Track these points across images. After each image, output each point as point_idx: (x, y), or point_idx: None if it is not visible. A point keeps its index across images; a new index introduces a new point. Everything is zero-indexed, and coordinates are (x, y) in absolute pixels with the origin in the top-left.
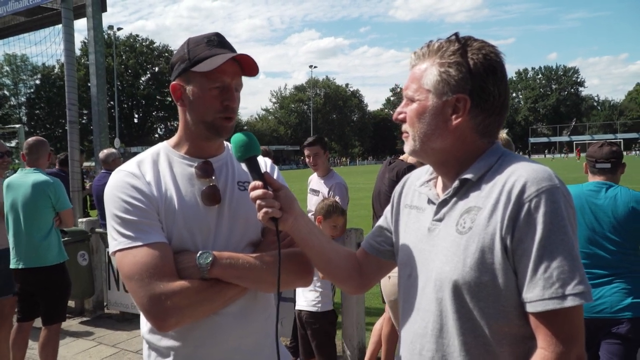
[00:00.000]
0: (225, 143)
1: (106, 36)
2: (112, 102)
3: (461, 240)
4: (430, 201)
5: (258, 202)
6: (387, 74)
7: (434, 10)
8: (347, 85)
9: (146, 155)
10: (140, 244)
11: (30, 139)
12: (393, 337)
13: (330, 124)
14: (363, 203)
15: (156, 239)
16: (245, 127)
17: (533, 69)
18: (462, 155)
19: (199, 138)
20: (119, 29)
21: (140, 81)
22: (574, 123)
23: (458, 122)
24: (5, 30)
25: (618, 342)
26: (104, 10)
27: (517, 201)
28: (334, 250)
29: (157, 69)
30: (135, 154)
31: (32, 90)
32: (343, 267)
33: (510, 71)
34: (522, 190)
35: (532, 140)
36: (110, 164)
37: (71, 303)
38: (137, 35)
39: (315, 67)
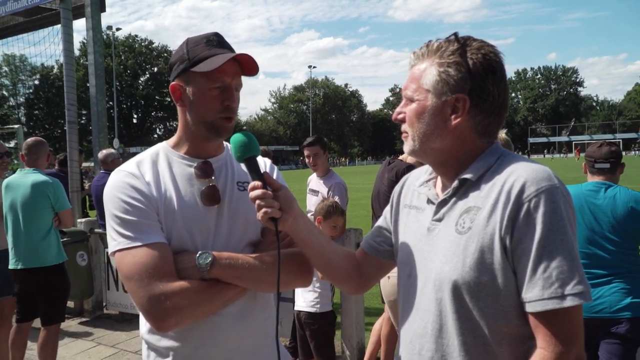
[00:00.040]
0: (225, 143)
1: (105, 36)
2: (111, 103)
3: (460, 240)
4: (429, 201)
5: (257, 202)
6: (386, 74)
7: (433, 10)
8: (346, 85)
9: (145, 156)
10: (139, 244)
11: (30, 140)
12: (392, 337)
13: (329, 124)
14: (362, 203)
15: (156, 239)
16: (245, 127)
17: (532, 69)
18: (462, 155)
19: (198, 138)
20: (117, 29)
21: (139, 81)
22: (573, 123)
23: (457, 122)
24: (4, 31)
25: (617, 342)
26: (103, 10)
27: (517, 201)
28: (334, 251)
29: (156, 69)
30: (134, 154)
31: (30, 90)
32: (342, 267)
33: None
34: (522, 190)
35: (531, 140)
36: (109, 164)
37: (70, 303)
38: (136, 36)
39: (314, 67)
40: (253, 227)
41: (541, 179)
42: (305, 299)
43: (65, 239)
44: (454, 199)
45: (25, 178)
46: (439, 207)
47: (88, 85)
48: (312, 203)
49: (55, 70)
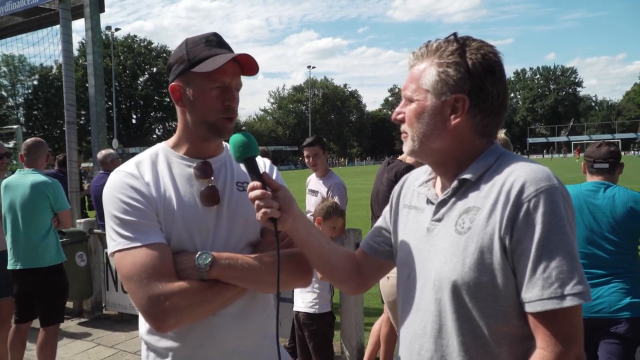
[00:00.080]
0: (224, 144)
1: (104, 37)
2: (110, 103)
3: (460, 240)
4: (429, 201)
5: (257, 202)
6: (386, 74)
7: (432, 10)
8: (345, 85)
9: (145, 156)
10: (139, 244)
11: (29, 140)
12: (392, 338)
13: (328, 124)
14: (361, 203)
15: (155, 239)
16: (244, 128)
17: (531, 69)
18: (461, 156)
19: (198, 139)
20: (116, 29)
21: (138, 82)
22: (572, 123)
23: (457, 122)
24: (2, 31)
25: (616, 341)
26: (102, 10)
27: (516, 201)
28: (333, 251)
29: (155, 69)
30: (133, 154)
31: (29, 91)
32: (342, 267)
33: (509, 71)
34: (521, 191)
35: (530, 140)
36: (109, 165)
37: (69, 304)
38: (135, 36)
39: (313, 67)
40: (252, 228)
41: (540, 179)
42: (303, 300)
43: (64, 240)
44: (453, 199)
45: (24, 178)
46: (439, 208)
47: (87, 85)
48: (311, 203)
49: (54, 71)
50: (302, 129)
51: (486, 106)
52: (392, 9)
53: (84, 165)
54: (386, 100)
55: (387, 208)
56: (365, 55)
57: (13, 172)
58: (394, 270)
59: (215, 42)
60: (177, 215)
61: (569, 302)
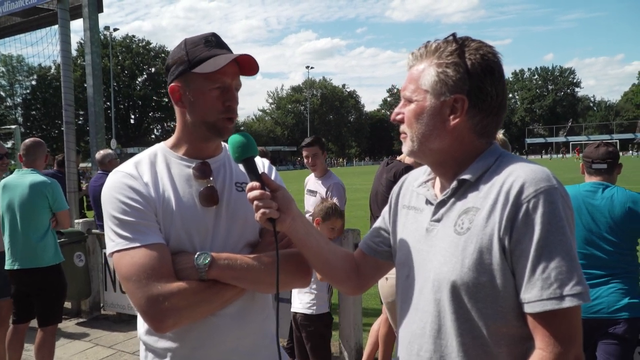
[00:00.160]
0: (223, 144)
1: (102, 37)
2: (108, 103)
3: (459, 240)
4: (428, 202)
5: (256, 202)
6: (384, 74)
7: (431, 11)
8: (343, 86)
9: (143, 156)
10: (137, 245)
11: (28, 140)
12: (390, 338)
13: (327, 124)
14: (360, 204)
15: (154, 240)
16: (242, 128)
17: (529, 69)
18: (460, 156)
19: (198, 139)
20: (115, 29)
21: (137, 82)
22: (570, 124)
23: (456, 122)
24: (1, 31)
25: (615, 342)
26: (100, 11)
27: (515, 202)
28: (332, 251)
29: (153, 69)
30: (131, 154)
31: (28, 91)
32: (341, 268)
33: (507, 72)
34: (520, 191)
35: (528, 140)
36: (107, 165)
37: (67, 304)
38: (134, 36)
39: (312, 67)
40: (251, 228)
41: (540, 179)
42: (301, 301)
43: (62, 240)
44: (452, 200)
45: (23, 178)
46: (438, 208)
47: (85, 85)
48: (310, 203)
49: (52, 71)
50: (300, 129)
51: (485, 106)
52: (390, 9)
53: (82, 165)
54: (385, 100)
55: (386, 208)
56: (363, 56)
57: (12, 172)
58: (393, 270)
59: (214, 42)
60: (176, 216)
61: (568, 303)
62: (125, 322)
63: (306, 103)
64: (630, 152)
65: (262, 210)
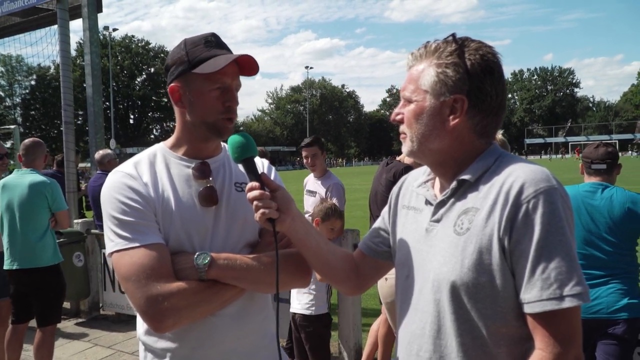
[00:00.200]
0: (222, 144)
1: (102, 37)
2: (107, 103)
3: (459, 241)
4: (427, 202)
5: (255, 203)
6: (383, 74)
7: (430, 11)
8: (343, 86)
9: (143, 157)
10: (137, 245)
11: (27, 140)
12: (389, 339)
13: (326, 124)
14: (359, 204)
15: (153, 240)
16: (242, 128)
17: (529, 70)
18: (460, 156)
19: (197, 139)
20: (114, 29)
21: (136, 82)
22: (569, 124)
23: (455, 122)
24: (0, 31)
25: (614, 342)
26: (100, 11)
27: (515, 202)
28: (331, 252)
29: (152, 69)
30: (131, 154)
31: (27, 91)
32: (340, 268)
33: (506, 72)
34: (520, 191)
35: (527, 141)
36: (106, 165)
37: (66, 304)
38: (133, 36)
39: (311, 68)
40: (251, 228)
41: (539, 180)
42: (300, 301)
43: (61, 240)
44: (452, 200)
45: (22, 178)
46: (437, 208)
47: (85, 85)
48: (309, 204)
49: (51, 71)
50: (300, 129)
51: (485, 107)
52: (389, 10)
53: (81, 165)
54: (384, 100)
55: (386, 209)
56: (363, 56)
57: (11, 172)
58: (392, 271)
59: (214, 42)
60: (176, 216)
61: (567, 303)
62: (125, 322)
63: (305, 103)
64: (630, 152)
65: (261, 211)
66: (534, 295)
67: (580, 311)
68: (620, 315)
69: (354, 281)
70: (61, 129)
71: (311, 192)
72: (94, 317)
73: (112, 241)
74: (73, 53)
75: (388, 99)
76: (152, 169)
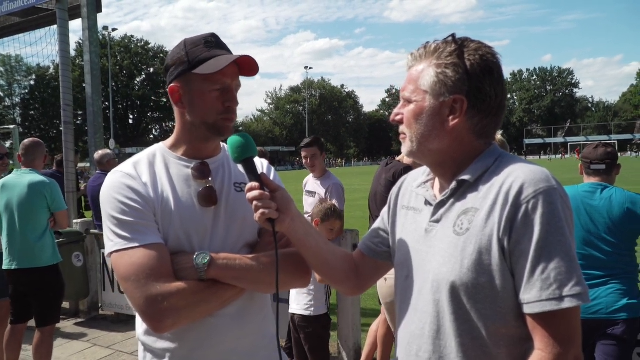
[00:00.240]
0: (222, 144)
1: (101, 37)
2: (107, 103)
3: (458, 241)
4: (427, 202)
5: (255, 203)
6: (383, 75)
7: (429, 11)
8: (342, 86)
9: (142, 157)
10: (136, 245)
11: (27, 140)
12: (389, 339)
13: (325, 125)
14: (359, 204)
15: (153, 239)
16: (241, 128)
17: (528, 70)
18: (459, 157)
19: (197, 139)
20: (114, 29)
21: (135, 82)
22: (568, 124)
23: (455, 123)
24: (0, 31)
25: (613, 343)
26: (99, 11)
27: (515, 202)
28: (331, 252)
29: (152, 69)
30: (130, 154)
31: (26, 91)
32: (340, 268)
33: (505, 72)
34: (520, 192)
35: (527, 141)
36: (105, 165)
37: (66, 304)
38: (132, 36)
39: (310, 68)
40: (250, 228)
41: (539, 180)
42: (299, 302)
43: (61, 240)
44: (451, 200)
45: (21, 178)
46: (437, 209)
47: (84, 85)
48: (308, 204)
49: (51, 71)
50: (299, 129)
51: (484, 107)
52: (389, 10)
53: (80, 165)
54: (383, 101)
55: (385, 209)
56: (362, 56)
57: (10, 172)
58: (392, 271)
59: (214, 43)
60: (175, 216)
61: (567, 304)
62: (124, 323)
63: (305, 103)
64: (629, 152)
65: (261, 211)
66: (534, 295)
67: (579, 311)
68: (620, 316)
69: (354, 281)
70: (60, 129)
71: (310, 192)
72: (93, 317)
73: (112, 241)
74: (72, 53)
75: (387, 99)
76: (152, 169)
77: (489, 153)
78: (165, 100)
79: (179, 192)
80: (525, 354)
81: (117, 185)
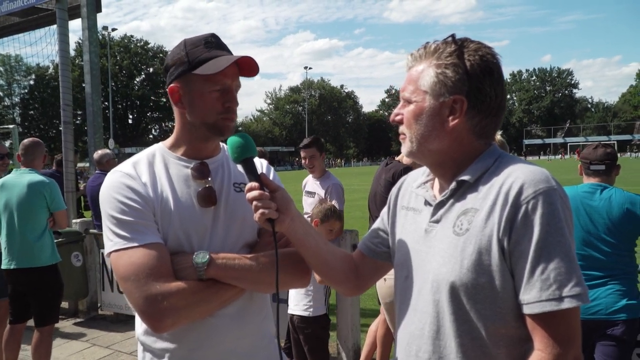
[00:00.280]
0: (221, 144)
1: (101, 37)
2: (106, 103)
3: (458, 241)
4: (427, 203)
5: (254, 203)
6: (382, 75)
7: (428, 12)
8: (342, 86)
9: (142, 156)
10: (136, 244)
11: (26, 140)
12: (388, 339)
13: (325, 125)
14: (358, 204)
15: (152, 239)
16: (240, 128)
17: (527, 70)
18: (459, 157)
19: (197, 139)
20: (113, 29)
21: (135, 82)
22: (568, 125)
23: (455, 123)
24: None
25: (613, 343)
26: (99, 10)
27: (515, 203)
28: (330, 252)
29: (151, 69)
30: (129, 154)
31: (26, 90)
32: (339, 268)
33: (505, 73)
34: (520, 192)
35: (526, 142)
36: (105, 165)
37: (65, 304)
38: (132, 36)
39: (310, 68)
40: (250, 228)
41: (539, 180)
42: (297, 303)
43: (60, 240)
44: (451, 201)
45: (21, 178)
46: (437, 209)
47: (84, 85)
48: (308, 204)
49: (50, 71)
50: (298, 129)
51: (484, 107)
52: (388, 10)
53: (80, 165)
54: (383, 101)
55: (385, 209)
56: (361, 57)
57: (10, 172)
58: (391, 271)
59: (214, 43)
60: (174, 216)
61: (567, 304)
62: (123, 322)
63: (304, 103)
64: (628, 153)
65: (261, 211)
66: (533, 296)
67: (579, 312)
68: (619, 316)
69: (353, 282)
70: (60, 128)
71: (310, 192)
72: (92, 317)
73: (111, 241)
74: (72, 53)
75: (387, 100)
76: (151, 169)
77: (489, 153)
78: (164, 100)
79: (178, 192)
80: (524, 354)
81: (116, 185)
